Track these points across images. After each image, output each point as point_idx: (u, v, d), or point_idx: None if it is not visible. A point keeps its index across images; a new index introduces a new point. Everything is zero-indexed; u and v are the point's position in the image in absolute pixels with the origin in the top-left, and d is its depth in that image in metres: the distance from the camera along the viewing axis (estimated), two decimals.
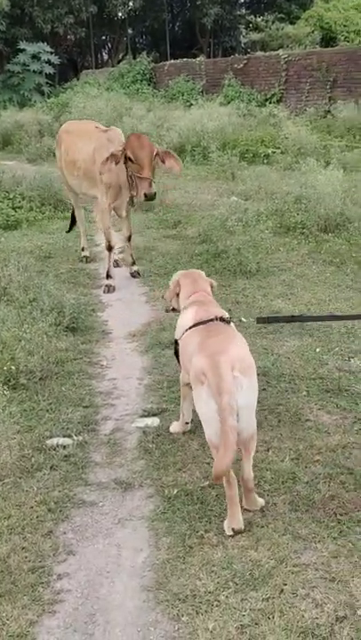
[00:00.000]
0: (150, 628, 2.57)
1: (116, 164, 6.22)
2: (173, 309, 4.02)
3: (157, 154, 6.35)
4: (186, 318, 3.61)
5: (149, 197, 6.26)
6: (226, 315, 3.57)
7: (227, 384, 2.92)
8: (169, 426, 3.94)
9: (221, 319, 3.48)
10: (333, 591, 2.69)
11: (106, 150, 6.36)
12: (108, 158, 6.20)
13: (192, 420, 3.95)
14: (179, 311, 3.91)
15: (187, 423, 3.88)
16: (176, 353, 3.77)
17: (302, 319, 3.92)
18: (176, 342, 3.73)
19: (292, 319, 3.90)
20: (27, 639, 2.54)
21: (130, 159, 6.22)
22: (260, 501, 3.21)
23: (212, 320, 3.46)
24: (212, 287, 3.99)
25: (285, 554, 2.89)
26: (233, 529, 3.01)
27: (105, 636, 2.56)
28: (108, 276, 6.73)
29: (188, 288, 3.87)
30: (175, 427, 3.91)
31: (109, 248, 6.76)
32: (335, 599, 2.64)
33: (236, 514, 3.01)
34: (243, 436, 2.98)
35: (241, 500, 3.12)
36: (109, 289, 6.62)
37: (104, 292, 6.61)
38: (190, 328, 3.51)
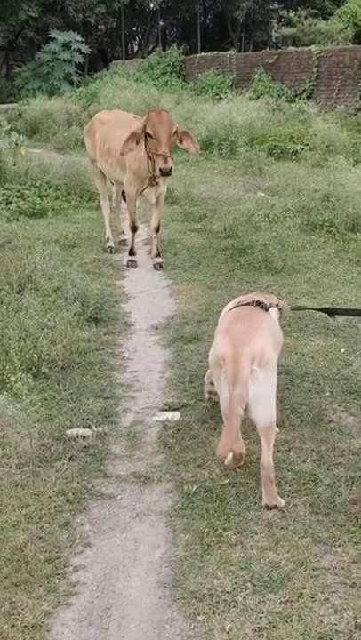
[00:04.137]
0: (166, 626, 2.54)
1: (137, 143, 6.32)
2: None
3: (176, 132, 6.38)
4: (229, 304, 3.82)
5: (165, 172, 6.28)
6: (265, 302, 3.65)
7: (243, 377, 3.04)
8: (190, 421, 3.91)
9: (258, 304, 3.58)
10: (353, 597, 2.64)
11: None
12: (128, 138, 6.28)
13: (212, 416, 3.93)
14: None
15: None
16: None
17: (333, 311, 4.15)
18: None
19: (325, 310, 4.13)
20: (41, 630, 2.53)
21: (149, 135, 6.28)
22: (281, 501, 3.16)
23: (248, 304, 3.59)
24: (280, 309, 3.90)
25: (305, 557, 2.84)
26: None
27: (120, 631, 2.53)
28: (132, 253, 7.14)
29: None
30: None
31: (134, 229, 7.12)
32: (355, 605, 2.59)
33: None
34: (260, 426, 3.14)
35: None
36: (132, 264, 7.07)
37: (127, 266, 7.05)
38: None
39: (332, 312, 4.15)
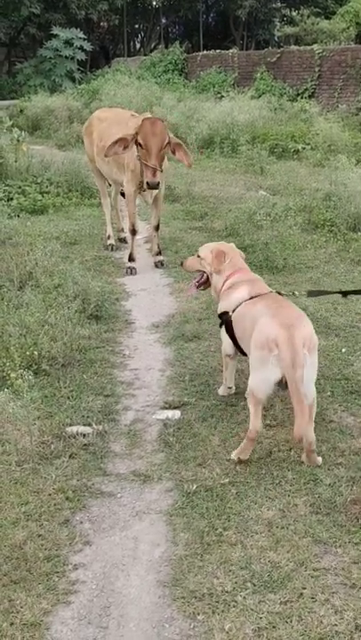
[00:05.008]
0: (165, 625, 2.53)
1: (124, 148, 6.21)
2: (203, 284, 4.23)
3: (169, 143, 6.29)
4: (241, 292, 3.81)
5: (151, 186, 6.25)
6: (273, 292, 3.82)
7: (301, 359, 3.20)
8: (190, 419, 3.90)
9: (278, 293, 3.75)
10: (353, 598, 2.63)
11: None
12: (115, 142, 6.20)
13: (212, 415, 3.92)
14: (208, 286, 4.18)
15: (229, 388, 4.14)
16: (222, 325, 3.93)
17: (346, 292, 4.34)
18: (222, 315, 3.89)
19: (340, 292, 4.31)
20: (40, 629, 2.51)
21: (140, 144, 6.18)
22: (319, 460, 3.42)
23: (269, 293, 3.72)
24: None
25: (305, 557, 2.83)
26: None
27: (119, 629, 2.52)
28: (131, 259, 6.89)
29: (228, 265, 4.09)
30: (221, 391, 4.18)
31: (133, 232, 6.91)
32: (355, 606, 2.58)
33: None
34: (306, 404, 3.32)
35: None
36: (131, 271, 6.80)
37: (126, 273, 6.78)
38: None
39: (345, 293, 4.32)
